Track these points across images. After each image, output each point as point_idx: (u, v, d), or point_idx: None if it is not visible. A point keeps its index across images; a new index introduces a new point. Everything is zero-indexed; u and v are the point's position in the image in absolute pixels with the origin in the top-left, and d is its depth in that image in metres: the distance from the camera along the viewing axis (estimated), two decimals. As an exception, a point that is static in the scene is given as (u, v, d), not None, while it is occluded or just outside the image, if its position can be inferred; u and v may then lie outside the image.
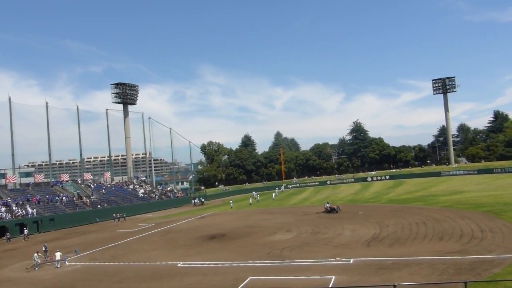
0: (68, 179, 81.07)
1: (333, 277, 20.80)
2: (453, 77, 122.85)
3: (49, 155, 78.16)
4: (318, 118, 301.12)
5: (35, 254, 30.22)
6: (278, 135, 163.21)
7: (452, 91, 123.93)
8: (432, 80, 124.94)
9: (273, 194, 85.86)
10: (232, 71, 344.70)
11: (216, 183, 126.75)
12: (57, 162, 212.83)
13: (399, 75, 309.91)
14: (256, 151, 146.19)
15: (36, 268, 29.51)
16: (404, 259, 23.46)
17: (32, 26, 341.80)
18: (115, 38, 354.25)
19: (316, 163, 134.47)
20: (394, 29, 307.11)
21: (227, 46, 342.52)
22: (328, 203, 50.68)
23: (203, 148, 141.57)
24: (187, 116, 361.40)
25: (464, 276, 19.06)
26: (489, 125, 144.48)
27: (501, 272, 19.22)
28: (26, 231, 50.03)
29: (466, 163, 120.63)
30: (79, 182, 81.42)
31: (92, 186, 79.34)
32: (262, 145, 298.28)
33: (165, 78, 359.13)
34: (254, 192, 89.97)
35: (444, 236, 28.93)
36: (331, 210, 47.44)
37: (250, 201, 75.46)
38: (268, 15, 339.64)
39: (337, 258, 24.82)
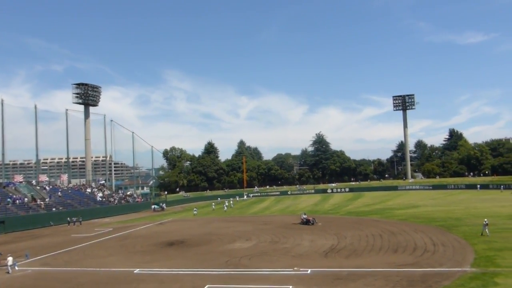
0: (22, 180, 78.00)
1: (291, 286, 21.04)
2: (413, 95, 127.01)
3: (2, 154, 74.92)
4: (282, 128, 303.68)
5: None
6: (241, 144, 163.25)
7: (411, 108, 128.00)
8: (393, 96, 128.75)
9: (224, 205, 78.06)
10: (197, 78, 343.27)
11: (177, 189, 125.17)
12: (11, 162, 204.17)
13: (362, 90, 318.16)
14: (219, 158, 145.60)
15: None
16: (359, 270, 24.00)
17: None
18: (78, 37, 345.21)
19: (278, 173, 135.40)
20: (358, 45, 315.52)
21: (194, 52, 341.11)
22: (305, 214, 50.10)
23: (166, 154, 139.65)
24: (151, 120, 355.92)
25: (416, 288, 19.77)
26: (444, 142, 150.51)
27: (451, 284, 20.04)
28: None
29: (422, 178, 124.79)
30: (34, 183, 78.43)
31: (48, 188, 76.64)
32: (225, 153, 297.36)
33: (130, 81, 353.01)
34: (218, 199, 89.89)
35: (399, 249, 29.80)
36: (307, 222, 46.63)
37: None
38: (235, 24, 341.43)
39: (295, 268, 25.06)
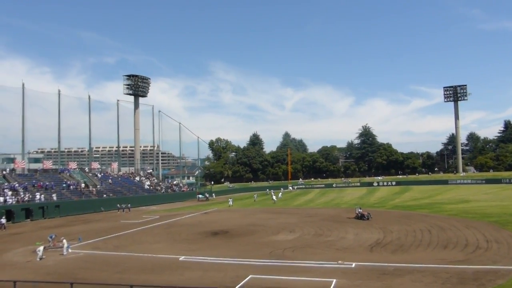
0: (76, 167, 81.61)
1: (334, 280, 20.64)
2: (465, 85, 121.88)
3: (59, 142, 78.80)
4: (327, 120, 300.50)
5: (41, 248, 29.15)
6: (286, 136, 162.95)
7: (463, 99, 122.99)
8: (444, 87, 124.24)
9: (273, 196, 77.67)
10: (243, 70, 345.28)
11: (222, 180, 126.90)
12: (66, 150, 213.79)
13: (410, 81, 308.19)
14: (264, 150, 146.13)
15: (38, 259, 28.94)
16: (406, 265, 23.24)
17: (46, 14, 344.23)
18: (128, 30, 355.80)
19: (323, 166, 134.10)
20: (406, 35, 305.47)
21: (239, 44, 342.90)
22: (360, 208, 47.49)
23: (211, 144, 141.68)
24: (197, 111, 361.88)
25: (468, 286, 18.89)
26: (499, 134, 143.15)
27: (506, 283, 18.96)
28: (3, 220, 46.01)
29: (474, 172, 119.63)
30: (87, 170, 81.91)
31: (99, 175, 79.84)
32: (270, 145, 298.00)
33: (177, 73, 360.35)
34: (267, 190, 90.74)
35: (449, 245, 28.63)
36: (361, 216, 44.29)
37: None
38: (280, 16, 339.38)
39: (339, 262, 24.66)
